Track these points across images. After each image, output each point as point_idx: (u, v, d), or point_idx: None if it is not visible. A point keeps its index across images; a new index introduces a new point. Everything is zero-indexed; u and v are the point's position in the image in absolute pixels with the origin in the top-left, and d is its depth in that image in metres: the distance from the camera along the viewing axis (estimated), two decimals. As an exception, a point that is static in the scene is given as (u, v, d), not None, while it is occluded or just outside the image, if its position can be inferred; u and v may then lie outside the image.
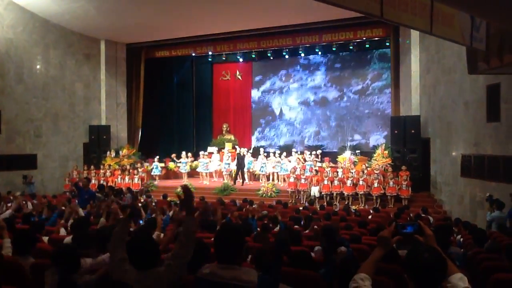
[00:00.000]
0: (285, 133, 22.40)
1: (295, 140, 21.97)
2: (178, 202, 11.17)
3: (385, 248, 2.38)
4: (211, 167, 18.30)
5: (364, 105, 20.81)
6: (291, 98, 22.28)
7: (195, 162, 18.76)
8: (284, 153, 17.59)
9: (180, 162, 18.41)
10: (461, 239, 7.75)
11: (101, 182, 16.75)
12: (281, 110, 22.51)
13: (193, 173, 18.95)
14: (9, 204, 11.01)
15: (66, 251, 3.55)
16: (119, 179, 17.23)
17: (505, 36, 7.48)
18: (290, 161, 16.97)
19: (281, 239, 5.23)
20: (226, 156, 18.09)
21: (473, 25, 6.84)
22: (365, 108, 20.77)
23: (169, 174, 19.63)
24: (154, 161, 18.52)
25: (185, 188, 2.98)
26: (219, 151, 19.04)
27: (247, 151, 18.12)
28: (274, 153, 17.70)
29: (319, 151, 17.39)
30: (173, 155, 18.70)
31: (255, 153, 18.58)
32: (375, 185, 14.41)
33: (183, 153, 18.52)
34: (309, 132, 21.87)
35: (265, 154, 18.02)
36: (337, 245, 5.15)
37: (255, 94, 23.11)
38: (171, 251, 3.00)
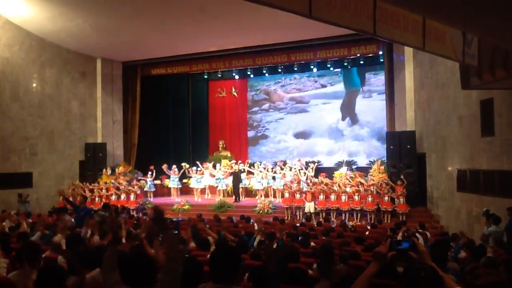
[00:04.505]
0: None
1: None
2: (172, 220, 11.12)
3: (380, 264, 2.39)
4: (204, 182, 18.24)
5: None
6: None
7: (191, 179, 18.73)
8: (279, 168, 17.50)
9: (191, 177, 18.38)
10: (459, 255, 7.72)
11: (96, 199, 16.69)
12: None
13: (186, 190, 18.91)
14: (4, 223, 10.90)
15: (48, 273, 3.22)
16: (113, 197, 17.11)
17: (496, 51, 7.57)
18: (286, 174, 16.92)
19: (280, 257, 5.19)
20: (220, 172, 18.08)
21: (465, 41, 6.95)
22: None
23: (163, 191, 19.51)
24: (148, 178, 18.40)
25: (155, 208, 3.18)
26: (213, 166, 18.92)
27: (243, 168, 18.06)
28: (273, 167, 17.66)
29: (312, 165, 17.05)
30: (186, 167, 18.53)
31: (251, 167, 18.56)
32: (369, 199, 14.39)
33: (194, 168, 18.54)
34: None
35: (264, 167, 17.91)
36: (335, 262, 5.12)
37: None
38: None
